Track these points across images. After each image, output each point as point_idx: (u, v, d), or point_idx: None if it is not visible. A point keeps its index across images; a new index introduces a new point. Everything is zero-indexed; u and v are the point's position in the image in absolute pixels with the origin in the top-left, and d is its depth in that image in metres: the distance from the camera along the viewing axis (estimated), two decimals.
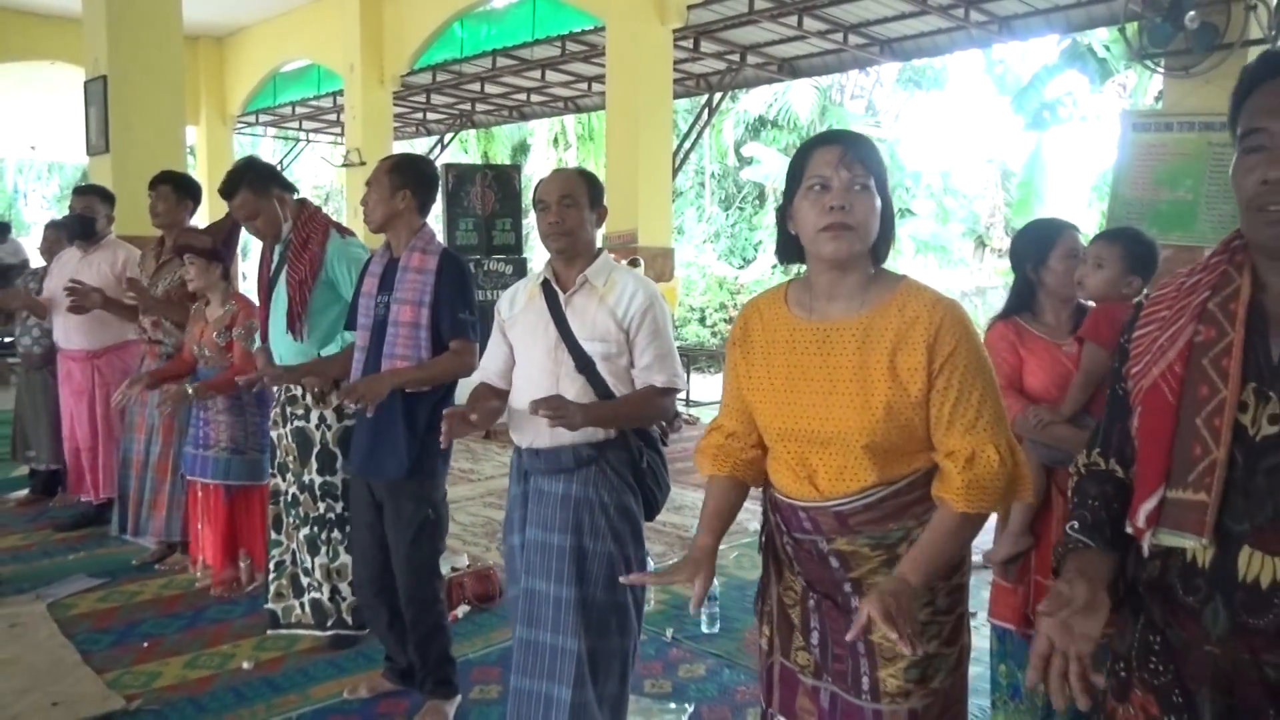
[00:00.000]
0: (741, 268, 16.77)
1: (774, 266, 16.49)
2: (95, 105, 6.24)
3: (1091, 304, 2.47)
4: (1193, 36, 5.08)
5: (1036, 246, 2.53)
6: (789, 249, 1.72)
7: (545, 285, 2.45)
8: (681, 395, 5.14)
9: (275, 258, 3.36)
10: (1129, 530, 1.32)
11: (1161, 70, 5.50)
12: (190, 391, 3.65)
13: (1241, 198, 1.24)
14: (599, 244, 2.54)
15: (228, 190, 3.28)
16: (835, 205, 1.59)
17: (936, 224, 16.45)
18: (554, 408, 2.15)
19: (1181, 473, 1.25)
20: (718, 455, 1.83)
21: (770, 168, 16.11)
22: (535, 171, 20.58)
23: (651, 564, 3.93)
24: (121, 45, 6.20)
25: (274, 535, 3.47)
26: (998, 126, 22.91)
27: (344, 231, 3.39)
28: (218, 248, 3.92)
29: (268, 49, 12.07)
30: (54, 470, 5.42)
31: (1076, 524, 1.38)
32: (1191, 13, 5.10)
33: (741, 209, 18.45)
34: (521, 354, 2.47)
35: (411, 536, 2.87)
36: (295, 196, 3.38)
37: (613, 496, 2.40)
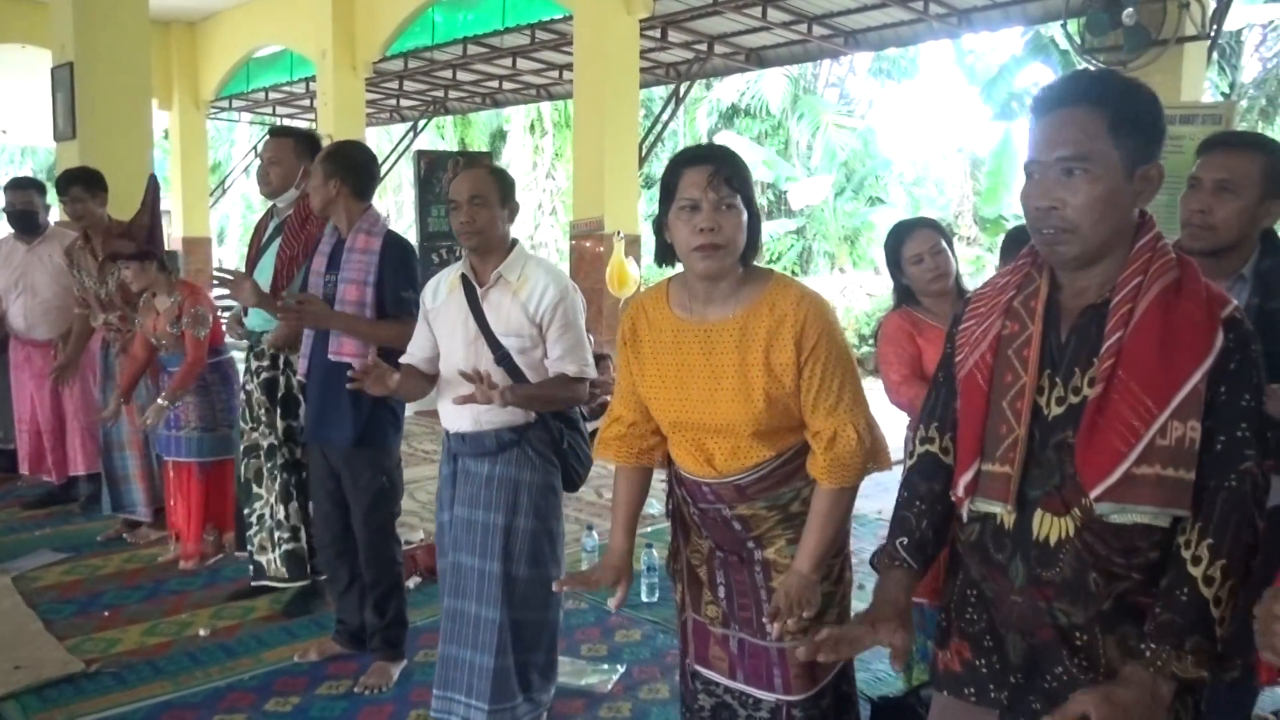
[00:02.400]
0: None
1: None
2: (62, 91, 6.31)
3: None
4: (1125, 34, 5.27)
5: (889, 250, 2.75)
6: (666, 253, 1.87)
7: (464, 279, 2.58)
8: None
9: (270, 229, 3.51)
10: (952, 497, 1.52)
11: (1101, 64, 5.68)
12: (165, 404, 3.82)
13: (1027, 221, 1.43)
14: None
15: (284, 130, 3.59)
16: (705, 226, 1.74)
17: (908, 213, 16.67)
18: (481, 393, 2.30)
19: (991, 448, 1.44)
20: (620, 445, 2.02)
21: (743, 156, 16.24)
22: (513, 158, 20.61)
23: (594, 539, 4.11)
24: (88, 31, 6.27)
25: (255, 489, 3.57)
26: (968, 116, 23.09)
27: None
28: (143, 247, 3.99)
29: (241, 34, 12.08)
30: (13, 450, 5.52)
31: (905, 540, 1.57)
32: (1129, 9, 5.29)
33: None
34: (444, 345, 2.62)
35: (368, 503, 3.04)
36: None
37: (535, 476, 2.57)
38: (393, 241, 3.00)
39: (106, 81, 6.30)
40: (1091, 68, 5.89)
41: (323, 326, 2.93)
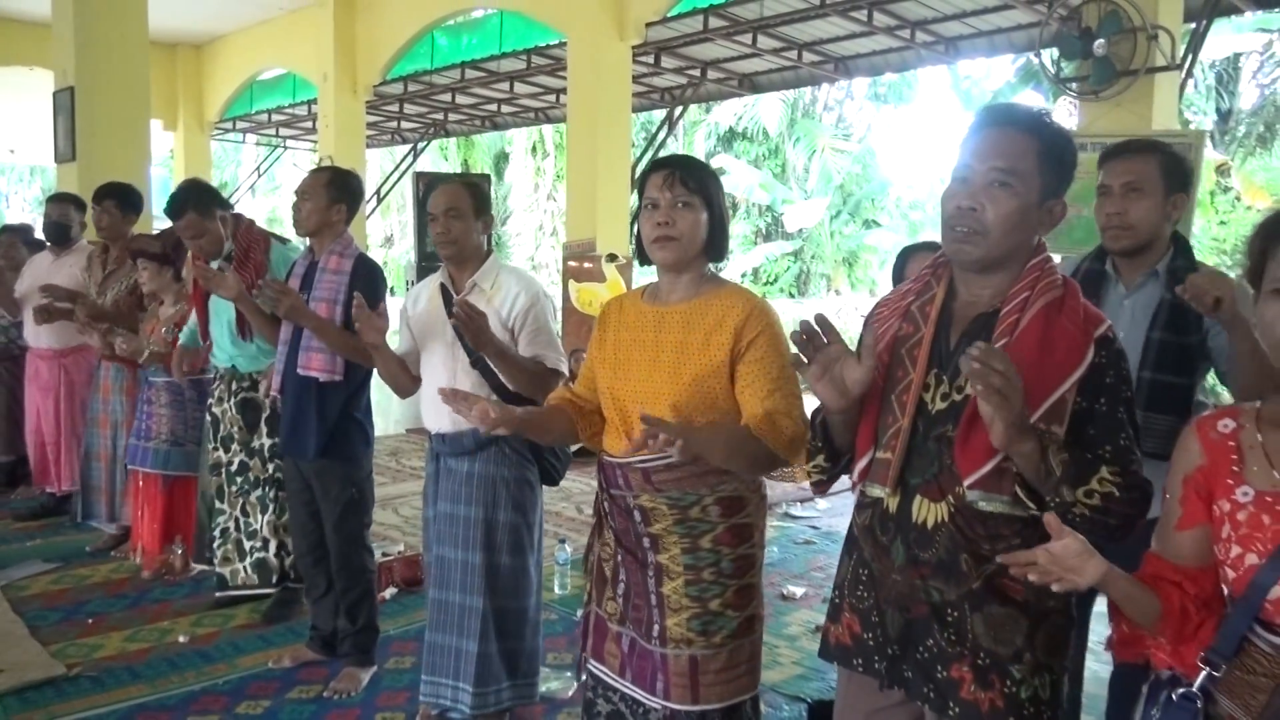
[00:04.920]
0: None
1: (744, 275, 16.83)
2: (63, 114, 6.48)
3: None
4: (1094, 65, 5.41)
5: (896, 271, 2.92)
6: (643, 253, 2.04)
7: (443, 288, 2.76)
8: None
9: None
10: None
11: (1075, 94, 5.83)
12: (145, 354, 3.98)
13: (942, 218, 1.56)
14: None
15: (174, 212, 3.56)
16: (660, 220, 1.93)
17: (904, 236, 16.81)
18: (471, 313, 2.44)
19: (881, 437, 1.59)
20: (558, 397, 2.19)
21: (740, 179, 16.43)
22: (515, 179, 20.86)
23: (567, 553, 4.21)
24: (89, 56, 6.43)
25: (218, 504, 3.75)
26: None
27: (282, 240, 3.71)
28: (168, 252, 4.18)
29: (245, 57, 12.30)
30: (12, 461, 5.65)
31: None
32: (1099, 41, 5.43)
33: None
34: (424, 349, 2.79)
35: (339, 513, 3.17)
36: (232, 212, 3.68)
37: (513, 471, 2.73)
38: (363, 263, 3.17)
39: (106, 105, 6.46)
40: (1070, 96, 6.04)
41: (297, 320, 3.02)
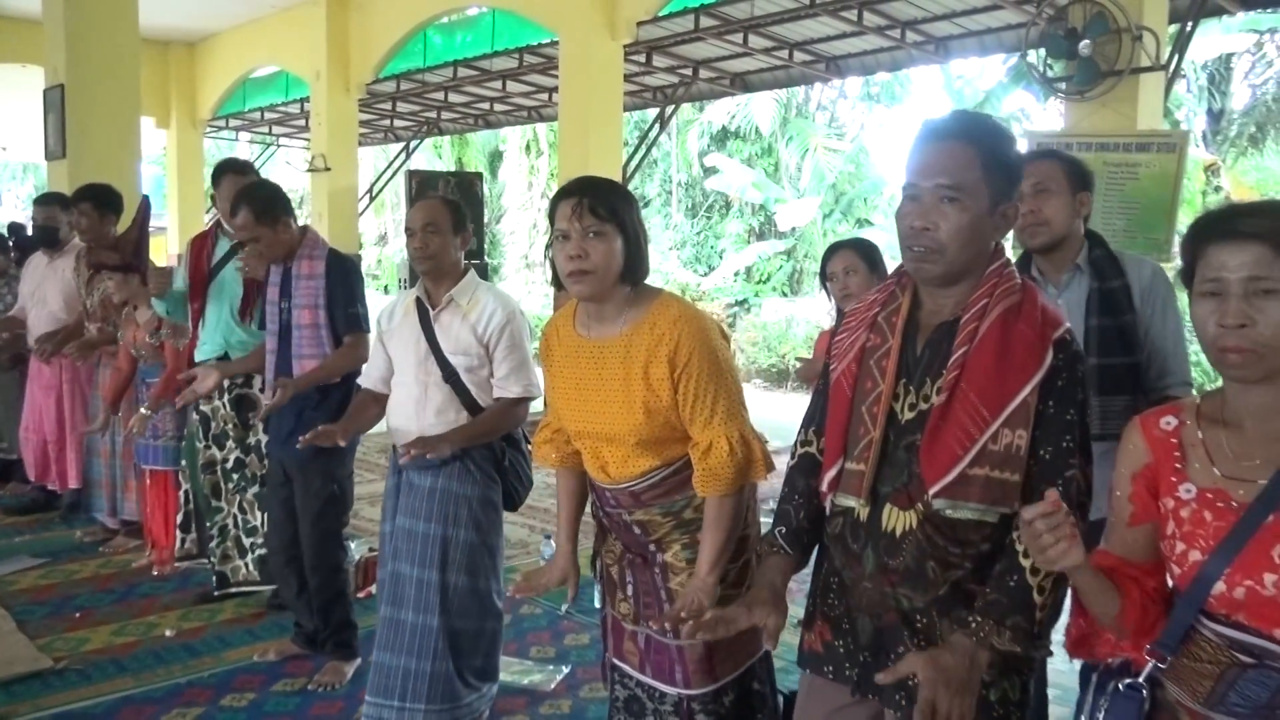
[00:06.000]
0: (705, 275, 17.09)
1: (736, 274, 16.86)
2: (53, 112, 6.49)
3: None
4: (1079, 66, 5.44)
5: (821, 268, 3.00)
6: (559, 279, 2.03)
7: (419, 302, 2.74)
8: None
9: (216, 249, 3.68)
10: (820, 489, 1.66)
11: (1062, 94, 5.86)
12: (148, 413, 3.95)
13: (899, 236, 1.58)
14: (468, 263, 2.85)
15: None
16: (572, 254, 1.91)
17: (896, 234, 16.82)
18: (424, 447, 2.45)
19: (852, 448, 1.60)
20: (549, 448, 2.18)
21: (732, 178, 16.43)
22: (509, 178, 20.85)
23: (552, 548, 4.23)
24: (79, 53, 6.44)
25: (214, 503, 3.75)
26: None
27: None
28: (128, 260, 4.17)
29: (237, 55, 12.30)
30: (9, 460, 5.67)
31: (784, 529, 1.72)
32: (1085, 41, 5.46)
33: (708, 217, 18.80)
34: (397, 363, 2.77)
35: (318, 509, 3.18)
36: None
37: (475, 490, 2.69)
38: (334, 261, 3.18)
39: (97, 103, 6.46)
40: (1058, 96, 6.08)
41: (301, 391, 3.08)
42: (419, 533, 2.66)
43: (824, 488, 1.64)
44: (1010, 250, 1.74)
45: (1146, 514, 1.40)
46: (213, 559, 3.81)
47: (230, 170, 3.73)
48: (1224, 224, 1.30)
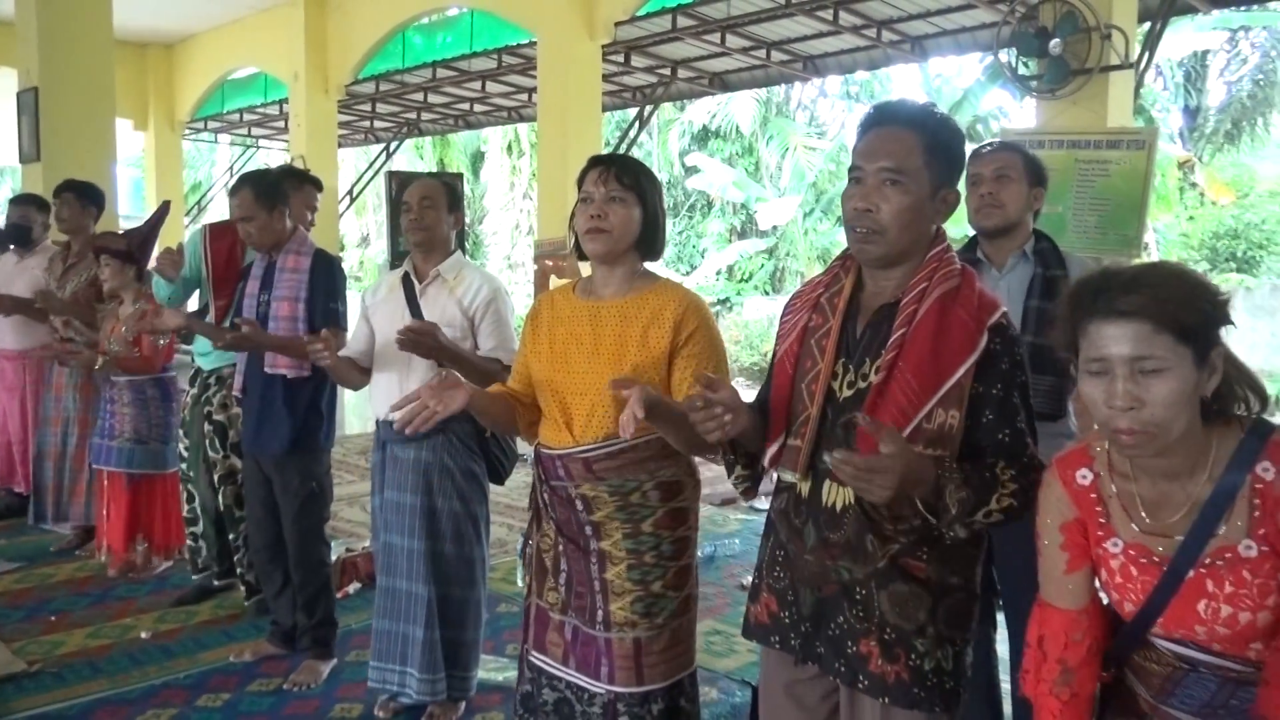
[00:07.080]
0: (687, 273, 17.13)
1: (718, 273, 16.91)
2: (27, 115, 6.46)
3: None
4: (1048, 65, 5.50)
5: None
6: (579, 248, 2.09)
7: (405, 277, 2.82)
8: None
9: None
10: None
11: (1034, 92, 5.92)
12: (99, 362, 3.94)
13: (843, 218, 1.62)
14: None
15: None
16: (594, 214, 2.00)
17: None
18: (420, 328, 2.48)
19: (792, 425, 1.65)
20: (496, 388, 2.22)
21: (713, 177, 16.48)
22: (491, 179, 20.84)
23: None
24: (53, 55, 6.40)
25: (237, 513, 3.70)
26: None
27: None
28: (133, 250, 4.19)
29: (216, 57, 12.25)
30: None
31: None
32: (1055, 40, 5.52)
33: (690, 216, 18.85)
34: (380, 336, 2.83)
35: (298, 507, 3.20)
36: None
37: (458, 461, 2.77)
38: (320, 259, 3.21)
39: (71, 106, 6.43)
40: (1030, 94, 6.14)
41: (262, 343, 3.08)
42: (405, 504, 2.75)
43: (766, 463, 1.70)
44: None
45: (1083, 559, 1.42)
46: (240, 568, 3.76)
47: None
48: (1103, 301, 1.27)
